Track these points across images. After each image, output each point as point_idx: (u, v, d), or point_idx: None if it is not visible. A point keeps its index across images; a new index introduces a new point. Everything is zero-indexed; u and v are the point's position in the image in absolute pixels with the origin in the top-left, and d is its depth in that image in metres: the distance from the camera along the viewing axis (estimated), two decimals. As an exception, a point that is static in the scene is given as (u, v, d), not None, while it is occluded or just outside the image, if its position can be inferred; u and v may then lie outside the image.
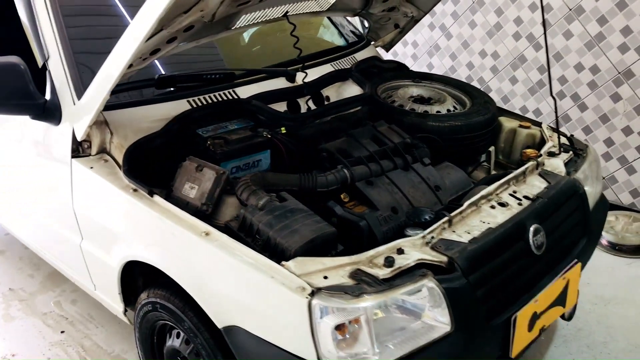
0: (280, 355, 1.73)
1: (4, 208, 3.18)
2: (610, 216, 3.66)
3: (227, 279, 1.84)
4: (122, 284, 2.35)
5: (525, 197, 2.22)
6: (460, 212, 2.04)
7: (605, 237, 3.59)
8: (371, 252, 1.81)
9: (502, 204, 2.16)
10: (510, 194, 2.23)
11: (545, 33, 2.32)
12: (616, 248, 3.58)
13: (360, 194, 2.19)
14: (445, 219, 1.98)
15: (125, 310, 2.44)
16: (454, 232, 1.99)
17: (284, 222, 1.87)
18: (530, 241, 2.05)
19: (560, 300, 2.20)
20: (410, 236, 1.92)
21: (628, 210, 3.87)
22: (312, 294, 1.64)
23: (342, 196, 2.17)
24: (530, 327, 2.05)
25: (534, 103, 4.16)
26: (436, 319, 1.79)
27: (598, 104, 3.86)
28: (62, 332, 3.11)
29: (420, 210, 2.06)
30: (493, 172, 2.77)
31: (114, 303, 2.47)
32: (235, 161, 2.31)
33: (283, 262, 1.74)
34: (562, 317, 2.38)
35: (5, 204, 3.12)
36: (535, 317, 2.06)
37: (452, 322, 1.79)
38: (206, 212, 2.04)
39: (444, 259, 1.84)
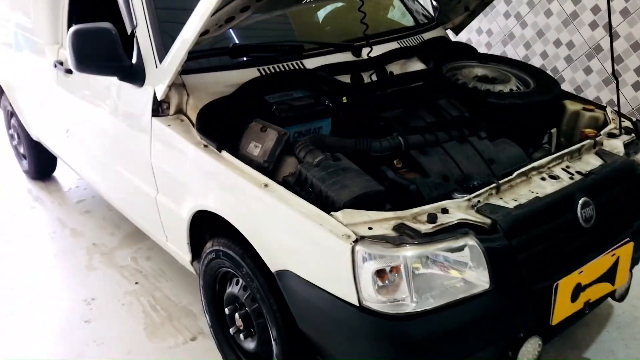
0: (326, 298, 1.87)
1: (91, 166, 3.50)
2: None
3: (281, 227, 2.00)
4: (190, 236, 2.56)
5: (578, 172, 2.25)
6: (509, 181, 2.10)
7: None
8: (416, 210, 1.92)
9: (553, 177, 2.20)
10: (563, 169, 2.26)
11: (609, 14, 2.33)
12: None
13: (413, 161, 2.30)
14: (493, 185, 2.05)
15: (193, 261, 2.66)
16: (501, 198, 2.06)
17: (335, 178, 2.00)
18: (578, 213, 2.08)
19: (609, 276, 2.21)
20: (456, 198, 2.01)
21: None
22: (356, 241, 1.77)
23: (395, 162, 2.29)
24: (574, 298, 2.08)
25: (607, 94, 4.08)
26: (475, 277, 1.87)
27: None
28: (136, 283, 3.39)
29: (469, 176, 2.14)
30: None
31: (183, 253, 2.69)
32: (297, 127, 2.46)
33: (332, 213, 1.88)
34: (613, 297, 2.38)
35: (93, 162, 3.43)
36: (579, 288, 2.09)
37: (491, 281, 1.86)
38: (267, 169, 2.21)
39: (487, 221, 1.92)
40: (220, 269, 2.45)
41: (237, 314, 2.37)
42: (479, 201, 2.00)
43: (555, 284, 2.00)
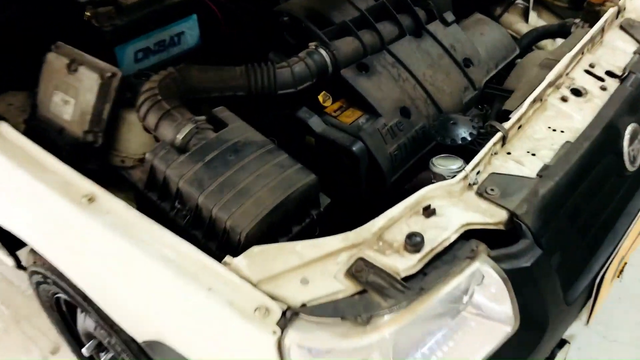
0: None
1: None
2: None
3: (133, 278, 1.07)
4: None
5: (610, 72, 1.40)
6: (519, 120, 1.23)
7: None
8: (380, 222, 1.04)
9: (578, 92, 1.35)
10: (587, 70, 1.41)
11: None
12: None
13: (350, 89, 1.35)
14: (497, 137, 1.18)
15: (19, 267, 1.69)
16: (509, 154, 1.20)
17: (224, 174, 1.05)
18: (625, 153, 1.29)
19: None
20: (439, 175, 1.14)
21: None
22: (284, 322, 0.90)
23: (320, 97, 1.32)
24: (616, 276, 1.38)
25: None
26: (491, 317, 1.08)
27: None
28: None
29: (450, 121, 1.24)
30: (535, 17, 1.89)
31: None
32: (139, 40, 1.41)
33: (227, 259, 0.97)
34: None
35: None
36: (621, 262, 1.37)
37: (516, 317, 1.08)
38: (93, 144, 1.21)
39: (502, 215, 1.08)
40: (58, 295, 1.52)
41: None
42: (478, 172, 1.14)
43: (597, 280, 1.26)
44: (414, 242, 0.98)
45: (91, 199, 1.07)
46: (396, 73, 1.40)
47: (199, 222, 1.05)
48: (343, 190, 1.28)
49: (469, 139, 1.18)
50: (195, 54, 1.49)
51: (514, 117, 1.21)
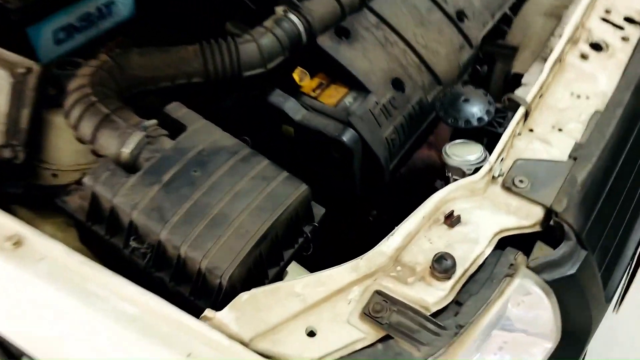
0: None
1: None
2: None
3: (83, 344, 0.83)
4: None
5: (628, 19, 1.20)
6: (540, 89, 1.02)
7: None
8: (395, 240, 0.82)
9: (598, 46, 1.14)
10: (604, 19, 1.20)
11: None
12: None
13: (329, 60, 1.10)
14: (520, 113, 0.96)
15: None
16: (531, 131, 1.00)
17: (190, 198, 0.81)
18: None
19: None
20: (456, 169, 0.93)
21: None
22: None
23: (295, 76, 1.07)
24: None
25: None
26: (530, 333, 0.90)
27: None
28: None
29: (461, 98, 1.01)
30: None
31: None
32: (58, 16, 1.11)
33: (208, 313, 0.74)
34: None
35: None
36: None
37: (558, 331, 0.91)
38: (13, 161, 0.94)
39: (538, 213, 0.89)
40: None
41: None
42: (502, 159, 0.93)
43: (633, 265, 1.10)
44: (444, 267, 0.78)
45: (17, 243, 0.81)
46: (382, 36, 1.16)
47: (164, 261, 0.81)
48: (333, 188, 1.05)
49: (487, 118, 0.97)
50: (132, 27, 1.20)
51: (534, 86, 1.00)
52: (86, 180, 0.83)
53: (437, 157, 1.25)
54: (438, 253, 0.79)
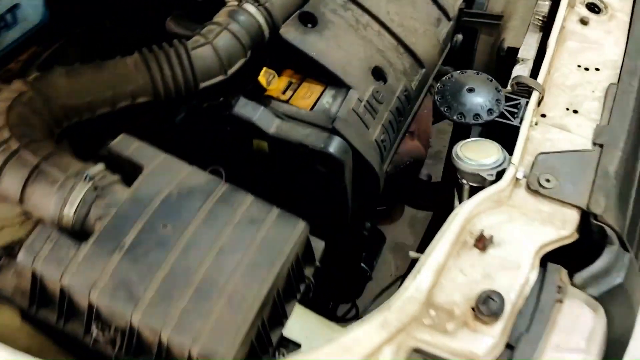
0: None
1: None
2: None
3: None
4: None
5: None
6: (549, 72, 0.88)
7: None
8: (425, 280, 0.67)
9: (595, 7, 1.01)
10: (594, -26, 1.06)
11: None
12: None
13: (297, 53, 0.92)
14: (534, 99, 0.82)
15: None
16: (543, 117, 0.86)
17: (162, 265, 0.62)
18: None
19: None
20: (473, 176, 0.78)
21: None
22: None
23: (261, 79, 0.88)
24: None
25: None
26: (573, 350, 0.78)
27: None
28: None
29: (465, 87, 0.86)
30: None
31: None
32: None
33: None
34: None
35: None
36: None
37: (604, 345, 0.79)
38: None
39: (574, 218, 0.76)
40: None
41: None
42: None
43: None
44: (492, 309, 0.64)
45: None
46: (352, 18, 0.98)
47: (141, 349, 0.63)
48: (320, 207, 0.89)
49: (498, 109, 0.82)
50: (45, 36, 0.97)
51: (543, 65, 0.86)
52: (21, 257, 0.63)
53: (421, 149, 1.10)
54: (483, 293, 0.65)
